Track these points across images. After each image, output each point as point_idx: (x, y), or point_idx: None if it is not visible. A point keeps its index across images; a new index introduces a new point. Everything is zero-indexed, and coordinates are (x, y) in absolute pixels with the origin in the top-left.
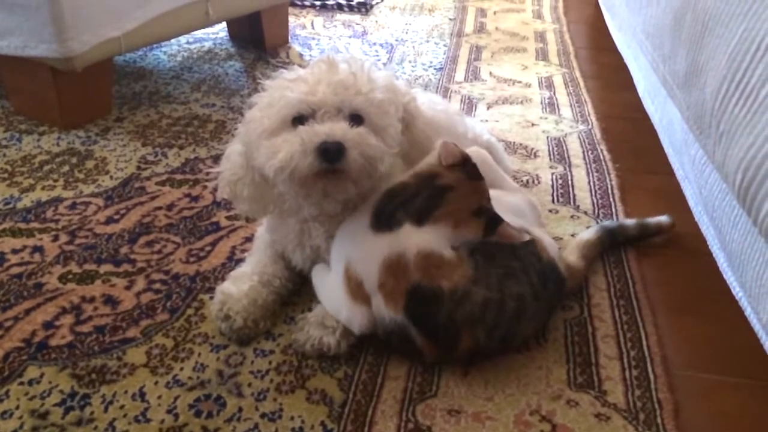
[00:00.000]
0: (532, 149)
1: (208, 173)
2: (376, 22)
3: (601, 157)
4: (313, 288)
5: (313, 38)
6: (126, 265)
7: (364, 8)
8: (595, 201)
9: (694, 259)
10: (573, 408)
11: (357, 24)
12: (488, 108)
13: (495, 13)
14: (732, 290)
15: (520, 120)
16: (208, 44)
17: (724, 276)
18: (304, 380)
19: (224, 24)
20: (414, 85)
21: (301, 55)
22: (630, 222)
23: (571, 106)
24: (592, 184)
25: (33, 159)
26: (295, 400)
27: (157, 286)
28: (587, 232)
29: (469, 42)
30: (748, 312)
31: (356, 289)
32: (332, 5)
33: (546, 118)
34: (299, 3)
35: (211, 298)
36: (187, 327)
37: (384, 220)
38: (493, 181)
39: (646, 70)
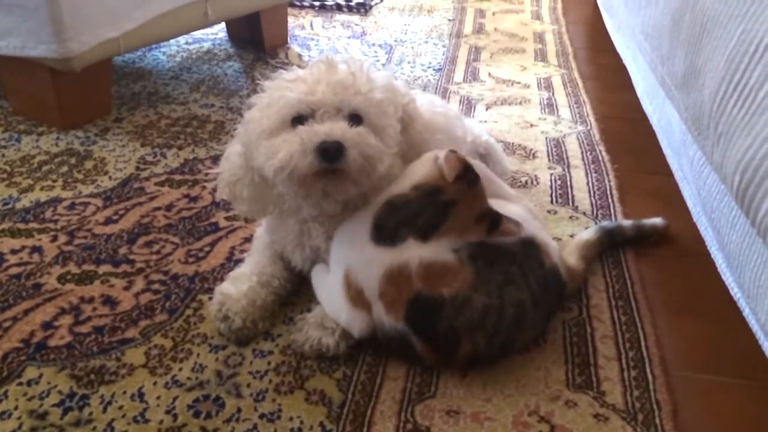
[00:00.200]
0: (531, 150)
1: (207, 174)
2: (375, 22)
3: (600, 158)
4: (312, 289)
5: (312, 39)
6: (125, 265)
7: (363, 9)
8: (593, 202)
9: (692, 259)
10: (571, 408)
11: (356, 24)
12: (487, 109)
13: (494, 13)
14: (730, 291)
15: (519, 121)
16: (207, 45)
17: (723, 277)
18: (303, 381)
19: (223, 24)
20: (413, 85)
21: (300, 56)
22: (627, 223)
23: (569, 106)
24: (590, 184)
25: (32, 159)
26: (293, 401)
27: (156, 286)
28: (586, 232)
29: (468, 43)
30: (747, 312)
31: (357, 297)
32: (331, 6)
33: (545, 119)
34: (298, 3)
35: (210, 298)
36: (185, 327)
37: (386, 235)
38: (493, 191)
39: (645, 71)
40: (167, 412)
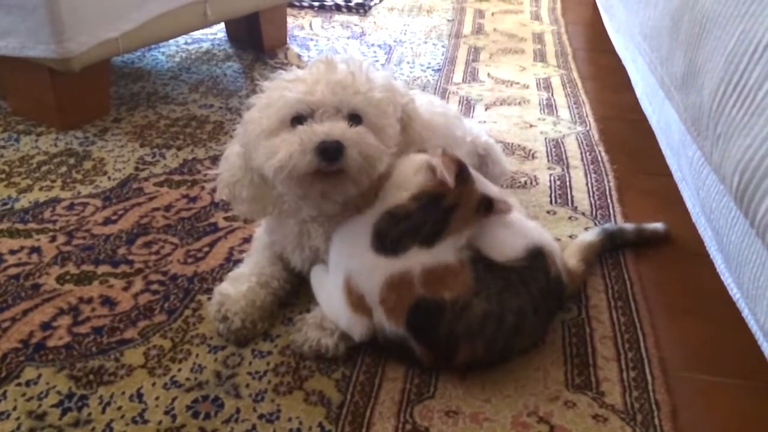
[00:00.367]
0: (530, 150)
1: (206, 174)
2: (375, 23)
3: (599, 159)
4: (311, 289)
5: (312, 39)
6: (124, 266)
7: (363, 9)
8: (592, 202)
9: (691, 260)
10: (571, 409)
11: (355, 25)
12: (486, 109)
13: (493, 14)
14: (729, 291)
15: (518, 121)
16: (206, 45)
17: (722, 277)
18: (302, 381)
19: (222, 25)
20: (412, 86)
21: (299, 56)
22: (629, 226)
23: (569, 107)
24: (589, 185)
25: (31, 160)
26: (292, 401)
27: (154, 287)
28: (588, 234)
29: (467, 43)
30: (746, 313)
31: (358, 302)
32: (330, 6)
33: (544, 120)
34: (297, 4)
35: (209, 299)
36: (184, 328)
37: (389, 246)
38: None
39: (644, 72)
40: (166, 413)
